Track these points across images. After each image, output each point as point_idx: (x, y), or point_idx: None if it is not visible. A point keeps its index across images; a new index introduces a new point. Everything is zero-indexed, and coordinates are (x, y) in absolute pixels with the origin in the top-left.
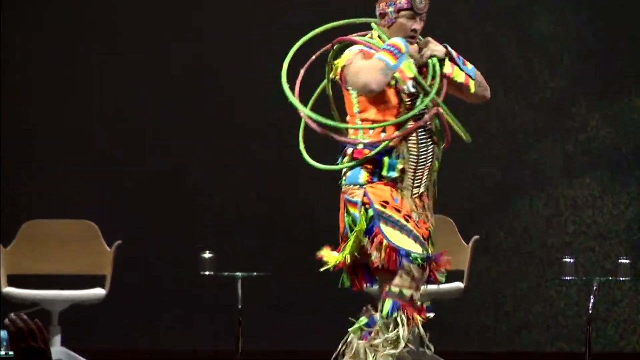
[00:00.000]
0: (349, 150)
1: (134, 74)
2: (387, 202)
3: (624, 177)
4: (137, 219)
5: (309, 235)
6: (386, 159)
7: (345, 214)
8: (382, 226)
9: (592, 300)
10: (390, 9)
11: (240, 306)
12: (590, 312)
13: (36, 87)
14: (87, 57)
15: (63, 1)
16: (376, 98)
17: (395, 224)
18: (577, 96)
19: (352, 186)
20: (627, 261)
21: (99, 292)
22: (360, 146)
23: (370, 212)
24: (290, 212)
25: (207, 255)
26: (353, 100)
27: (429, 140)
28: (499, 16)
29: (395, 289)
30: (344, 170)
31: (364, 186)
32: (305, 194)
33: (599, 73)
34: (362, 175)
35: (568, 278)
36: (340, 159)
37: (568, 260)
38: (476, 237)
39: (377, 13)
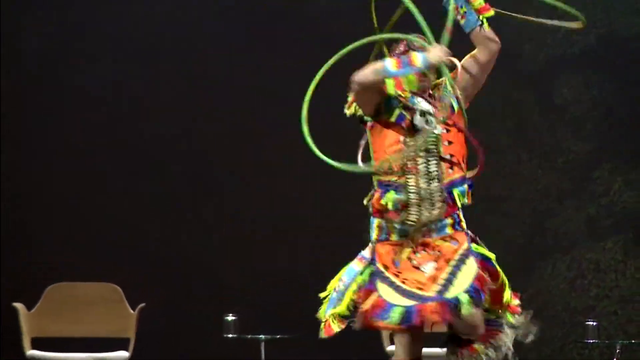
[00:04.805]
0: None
1: (159, 149)
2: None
3: None
4: (161, 281)
5: None
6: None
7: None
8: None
9: None
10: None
11: None
12: None
13: (60, 153)
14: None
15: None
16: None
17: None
18: (600, 160)
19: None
20: None
21: (122, 354)
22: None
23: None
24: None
25: (230, 317)
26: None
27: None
28: (523, 81)
29: None
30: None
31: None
32: (330, 255)
33: (622, 137)
34: (374, 232)
35: (591, 341)
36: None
37: (591, 323)
38: None
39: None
